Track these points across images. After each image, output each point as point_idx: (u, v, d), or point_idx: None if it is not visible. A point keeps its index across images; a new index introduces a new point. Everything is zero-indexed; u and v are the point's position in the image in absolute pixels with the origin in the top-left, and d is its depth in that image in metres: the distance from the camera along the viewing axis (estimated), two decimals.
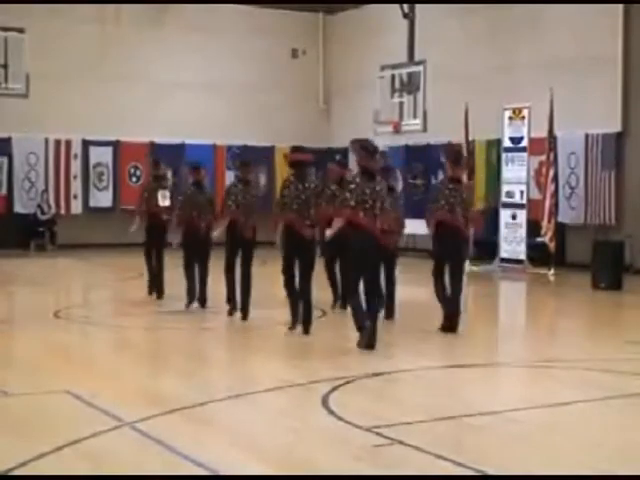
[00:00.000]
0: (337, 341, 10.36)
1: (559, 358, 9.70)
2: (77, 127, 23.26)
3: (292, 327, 10.68)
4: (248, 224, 11.68)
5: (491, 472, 5.60)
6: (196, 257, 12.51)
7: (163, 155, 22.80)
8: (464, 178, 10.93)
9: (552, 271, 17.62)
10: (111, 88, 23.56)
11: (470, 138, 19.93)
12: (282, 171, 13.54)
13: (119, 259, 16.97)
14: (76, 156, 23.62)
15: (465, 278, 11.20)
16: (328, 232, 9.92)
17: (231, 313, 11.96)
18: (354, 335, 10.16)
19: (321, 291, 12.63)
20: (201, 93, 24.70)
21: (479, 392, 8.07)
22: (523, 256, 18.62)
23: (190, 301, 12.56)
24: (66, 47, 23.13)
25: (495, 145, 20.29)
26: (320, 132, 25.45)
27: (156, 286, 13.63)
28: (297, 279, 10.59)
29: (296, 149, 11.01)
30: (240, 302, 11.79)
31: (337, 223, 9.69)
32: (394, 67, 23.79)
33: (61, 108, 22.99)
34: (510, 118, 19.06)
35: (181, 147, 24.09)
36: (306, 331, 10.49)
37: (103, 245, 22.42)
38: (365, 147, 9.76)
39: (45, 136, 23.17)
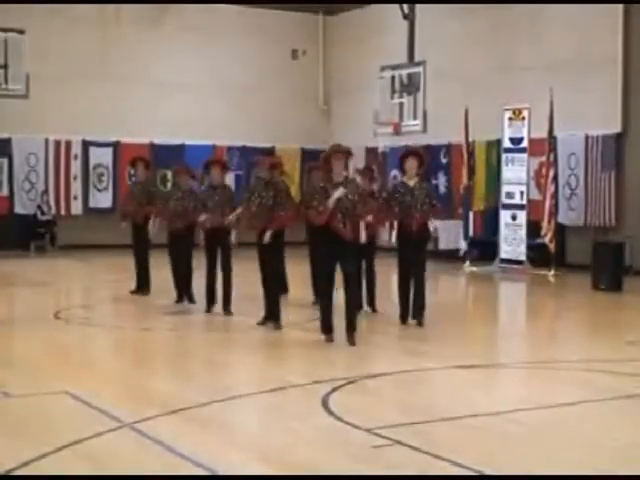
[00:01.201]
0: (337, 342, 10.34)
1: (559, 359, 9.70)
2: (77, 128, 23.24)
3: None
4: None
5: (491, 473, 5.60)
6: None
7: (163, 156, 22.92)
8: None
9: (552, 272, 17.61)
10: (111, 89, 23.55)
11: (470, 139, 19.92)
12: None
13: (119, 260, 16.90)
14: (76, 157, 23.61)
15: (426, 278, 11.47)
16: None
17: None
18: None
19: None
20: (201, 94, 24.69)
21: (479, 393, 8.07)
22: (523, 257, 18.61)
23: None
24: (66, 48, 23.12)
25: (495, 146, 20.28)
26: (320, 133, 25.42)
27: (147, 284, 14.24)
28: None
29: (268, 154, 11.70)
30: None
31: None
32: (394, 68, 23.79)
33: (61, 109, 22.98)
34: (510, 119, 19.05)
35: (181, 148, 24.07)
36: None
37: (103, 246, 22.39)
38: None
39: (45, 137, 23.15)
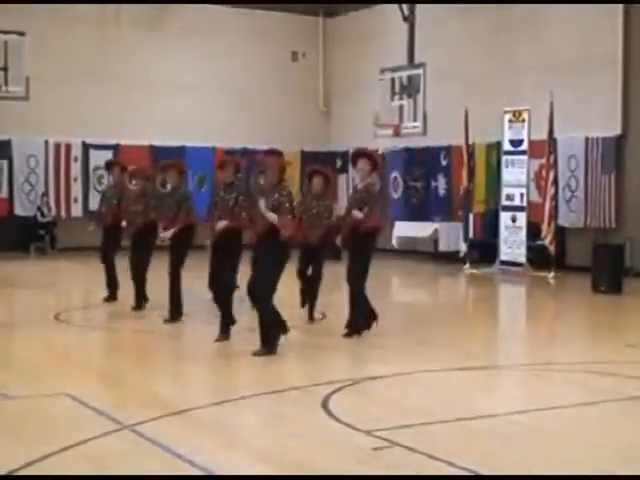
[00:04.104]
0: (337, 344, 10.35)
1: (559, 361, 9.71)
2: (77, 130, 23.24)
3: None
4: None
5: (490, 473, 5.60)
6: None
7: (163, 158, 22.86)
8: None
9: (552, 274, 17.61)
10: (111, 90, 23.55)
11: (470, 141, 19.93)
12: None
13: (119, 263, 16.85)
14: (76, 159, 23.61)
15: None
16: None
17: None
18: (354, 337, 10.17)
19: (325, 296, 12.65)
20: (201, 95, 24.70)
21: (479, 395, 8.06)
22: (523, 259, 18.61)
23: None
24: (66, 49, 23.12)
25: (495, 148, 20.27)
26: (320, 135, 25.44)
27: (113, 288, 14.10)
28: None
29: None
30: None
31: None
32: (394, 70, 23.79)
33: (61, 111, 22.98)
34: (510, 121, 19.05)
35: (181, 150, 24.06)
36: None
37: None
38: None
39: (45, 139, 23.16)
